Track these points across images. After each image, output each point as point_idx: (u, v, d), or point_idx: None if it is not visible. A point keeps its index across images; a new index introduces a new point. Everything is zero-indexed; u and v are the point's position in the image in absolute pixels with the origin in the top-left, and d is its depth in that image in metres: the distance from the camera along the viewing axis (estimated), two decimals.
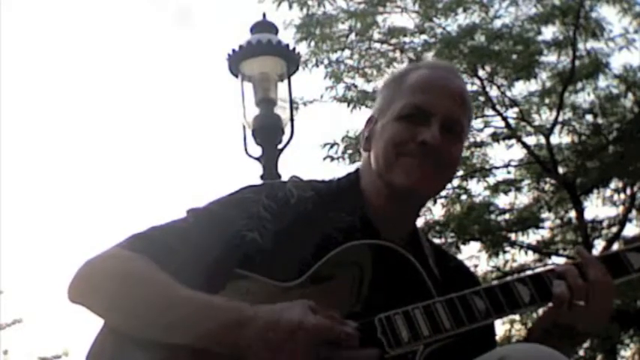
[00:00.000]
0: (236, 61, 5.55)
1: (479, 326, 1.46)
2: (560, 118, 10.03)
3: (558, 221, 10.86)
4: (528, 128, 10.30)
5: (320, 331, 1.27)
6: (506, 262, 10.39)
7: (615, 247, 9.29)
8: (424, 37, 10.09)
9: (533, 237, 10.56)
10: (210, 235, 1.44)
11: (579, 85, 10.05)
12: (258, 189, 1.54)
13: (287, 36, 8.93)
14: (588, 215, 10.37)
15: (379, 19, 10.07)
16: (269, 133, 5.41)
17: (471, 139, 10.20)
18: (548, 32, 9.86)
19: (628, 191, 10.30)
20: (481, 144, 10.30)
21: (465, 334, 1.44)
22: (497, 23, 9.93)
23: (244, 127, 5.50)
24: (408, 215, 1.63)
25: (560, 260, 10.46)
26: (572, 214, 10.43)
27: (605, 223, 10.51)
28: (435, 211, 10.29)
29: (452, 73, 1.66)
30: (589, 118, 10.31)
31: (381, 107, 1.62)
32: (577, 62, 9.64)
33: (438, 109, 1.54)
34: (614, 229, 10.34)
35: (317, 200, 1.54)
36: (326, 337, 1.28)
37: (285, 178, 1.67)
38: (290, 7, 9.62)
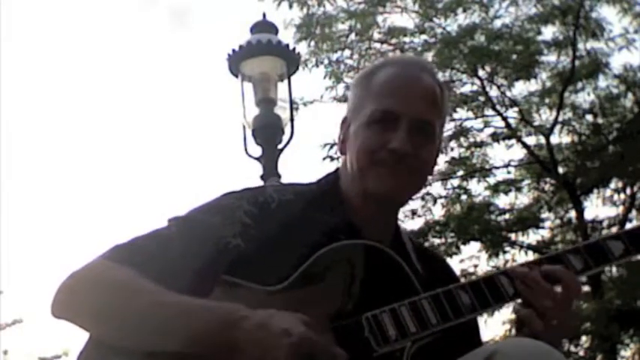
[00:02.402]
0: (236, 61, 5.55)
1: (467, 321, 1.47)
2: (560, 118, 10.05)
3: (558, 221, 10.85)
4: (528, 128, 10.31)
5: (309, 342, 1.25)
6: (507, 262, 10.37)
7: None
8: (424, 37, 10.11)
9: (533, 237, 10.58)
10: (193, 242, 1.43)
11: (579, 85, 10.07)
12: (239, 195, 1.53)
13: (287, 36, 8.95)
14: (588, 215, 10.39)
15: (379, 19, 10.09)
16: (269, 133, 5.41)
17: (471, 139, 10.22)
18: (548, 32, 9.90)
19: (628, 191, 10.30)
20: (481, 144, 10.30)
21: (453, 330, 1.45)
22: (497, 23, 9.97)
23: (244, 127, 5.51)
24: (387, 216, 1.63)
25: None
26: (572, 214, 10.43)
27: (605, 223, 10.48)
28: (435, 211, 10.32)
29: (422, 70, 1.60)
30: (589, 118, 10.33)
31: (353, 108, 1.61)
32: (577, 62, 9.65)
33: (405, 112, 1.52)
34: (614, 229, 10.32)
35: (298, 203, 1.54)
36: (313, 350, 1.25)
37: (285, 178, 1.68)
38: (290, 6, 9.64)
